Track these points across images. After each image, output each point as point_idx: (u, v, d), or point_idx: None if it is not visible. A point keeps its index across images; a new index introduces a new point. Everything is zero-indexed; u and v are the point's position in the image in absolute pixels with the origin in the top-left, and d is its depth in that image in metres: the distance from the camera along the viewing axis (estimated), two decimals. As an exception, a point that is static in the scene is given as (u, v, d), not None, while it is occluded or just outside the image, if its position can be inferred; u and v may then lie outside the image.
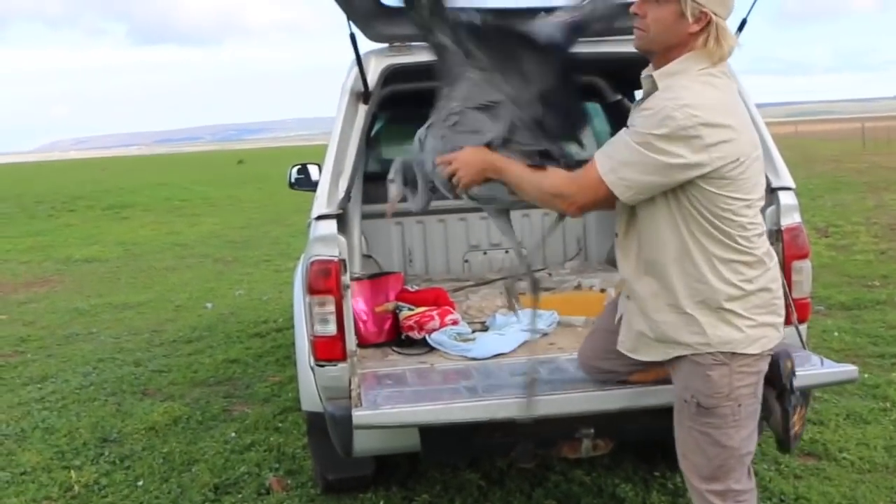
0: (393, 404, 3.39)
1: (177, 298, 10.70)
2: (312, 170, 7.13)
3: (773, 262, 2.87)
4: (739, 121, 2.72)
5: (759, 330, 2.79)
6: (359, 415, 3.30)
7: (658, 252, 2.81)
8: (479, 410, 3.36)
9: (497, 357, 4.01)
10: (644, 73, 2.85)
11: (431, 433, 3.52)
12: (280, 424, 5.78)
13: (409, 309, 4.31)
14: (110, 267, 14.04)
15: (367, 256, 5.60)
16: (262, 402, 6.29)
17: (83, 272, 13.66)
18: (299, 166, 7.25)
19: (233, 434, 5.64)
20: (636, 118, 2.74)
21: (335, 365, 3.70)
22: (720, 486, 2.80)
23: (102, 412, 6.26)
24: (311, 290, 3.71)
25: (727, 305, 2.74)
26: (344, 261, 3.76)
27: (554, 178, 2.90)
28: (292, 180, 7.23)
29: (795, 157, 26.90)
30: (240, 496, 4.73)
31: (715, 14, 2.67)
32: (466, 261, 5.96)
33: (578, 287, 5.15)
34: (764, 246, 2.83)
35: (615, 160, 2.73)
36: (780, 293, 2.89)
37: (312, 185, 6.98)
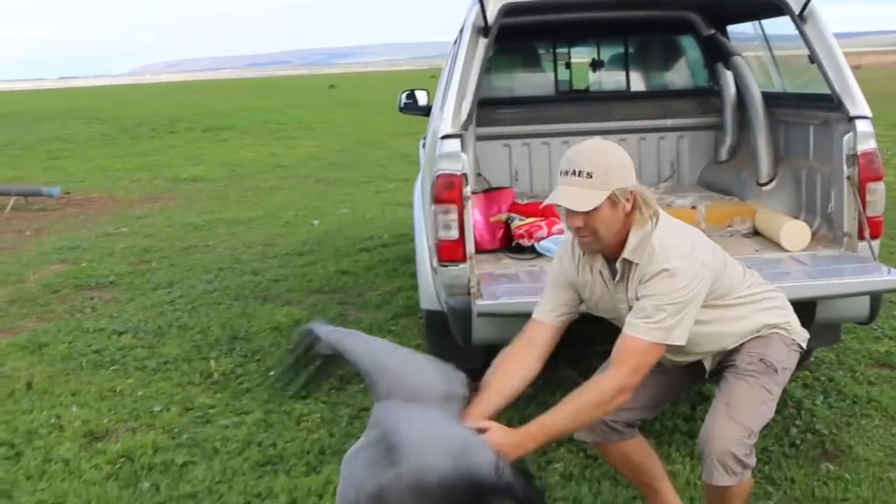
0: (510, 296, 3.95)
1: (284, 216, 11.41)
2: (420, 95, 7.70)
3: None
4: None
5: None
6: (481, 304, 3.88)
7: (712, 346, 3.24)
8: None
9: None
10: (616, 264, 3.06)
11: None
12: (393, 328, 6.39)
13: (520, 219, 4.85)
14: (217, 186, 14.83)
15: (477, 175, 6.13)
16: (374, 308, 6.91)
17: (192, 190, 14.49)
18: (408, 92, 7.81)
19: (351, 333, 6.26)
20: (653, 288, 2.91)
21: (457, 265, 4.26)
22: (750, 442, 3.08)
23: (229, 314, 6.97)
24: (437, 199, 4.25)
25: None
26: (465, 174, 4.30)
27: (600, 384, 2.94)
28: (402, 105, 7.80)
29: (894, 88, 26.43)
30: (362, 386, 5.35)
31: (635, 187, 2.93)
32: None
33: (670, 205, 5.60)
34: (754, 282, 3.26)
35: (665, 325, 2.88)
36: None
37: (420, 110, 7.55)
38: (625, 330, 2.93)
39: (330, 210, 11.67)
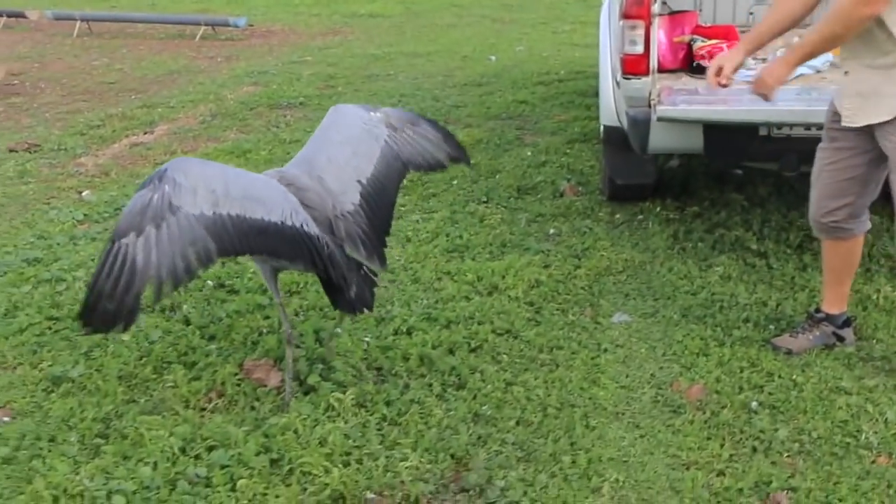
0: (688, 104, 4.42)
1: (462, 50, 11.92)
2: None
3: None
4: None
5: None
6: (661, 109, 4.36)
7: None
8: (760, 114, 4.33)
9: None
10: None
11: (714, 133, 4.53)
12: (568, 151, 6.91)
13: (702, 41, 5.23)
14: (394, 22, 15.40)
15: (663, 3, 6.47)
16: (550, 134, 7.43)
17: (369, 25, 15.11)
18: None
19: (528, 154, 6.83)
20: None
21: (639, 79, 4.71)
22: None
23: (414, 132, 7.61)
24: (626, 15, 4.68)
25: None
26: None
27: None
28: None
29: None
30: (539, 196, 5.94)
31: None
32: (751, 13, 6.71)
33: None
34: None
35: None
36: None
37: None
38: None
39: (506, 47, 12.10)
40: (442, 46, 12.35)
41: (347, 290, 3.50)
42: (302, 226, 3.29)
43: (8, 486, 3.16)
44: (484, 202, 5.83)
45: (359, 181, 3.67)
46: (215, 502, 3.05)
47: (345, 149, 3.72)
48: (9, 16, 16.88)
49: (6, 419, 3.60)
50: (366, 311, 3.67)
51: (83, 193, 6.44)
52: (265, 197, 3.28)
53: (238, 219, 3.10)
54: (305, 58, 11.93)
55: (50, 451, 3.35)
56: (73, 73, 11.80)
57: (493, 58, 11.28)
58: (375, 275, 3.72)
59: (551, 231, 5.35)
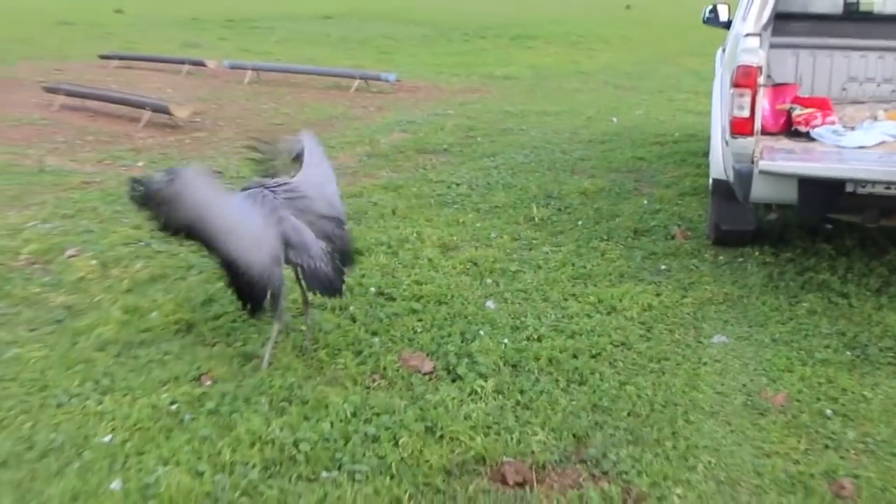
0: (786, 161, 4.82)
1: (586, 112, 12.37)
2: (721, 10, 8.33)
3: None
4: None
5: None
6: (763, 164, 4.77)
7: None
8: (847, 172, 4.71)
9: (861, 148, 5.27)
10: None
11: (807, 186, 4.91)
12: (680, 201, 7.29)
13: (801, 109, 5.61)
14: (525, 84, 15.95)
15: (767, 76, 6.85)
16: (664, 187, 7.82)
17: (504, 86, 15.69)
18: (711, 7, 8.45)
19: (644, 202, 7.24)
20: None
21: (745, 138, 5.11)
22: None
23: (544, 179, 8.11)
24: (736, 84, 5.10)
25: None
26: (760, 67, 5.12)
27: None
28: (705, 17, 8.47)
29: None
30: (652, 238, 6.35)
31: None
32: (844, 89, 7.03)
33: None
34: None
35: None
36: None
37: (720, 23, 8.22)
38: None
39: (627, 111, 12.50)
40: (569, 107, 12.82)
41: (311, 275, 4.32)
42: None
43: (214, 431, 3.72)
44: (605, 240, 6.26)
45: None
46: (381, 453, 3.55)
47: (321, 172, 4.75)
48: (191, 64, 18.13)
49: (208, 383, 4.19)
50: (336, 294, 4.48)
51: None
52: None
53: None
54: (448, 111, 12.55)
55: (245, 408, 3.92)
56: (246, 114, 12.69)
57: (615, 119, 11.70)
58: (344, 268, 4.48)
59: (662, 267, 5.75)
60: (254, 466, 3.47)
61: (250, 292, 4.21)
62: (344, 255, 4.50)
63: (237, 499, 3.28)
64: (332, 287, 4.36)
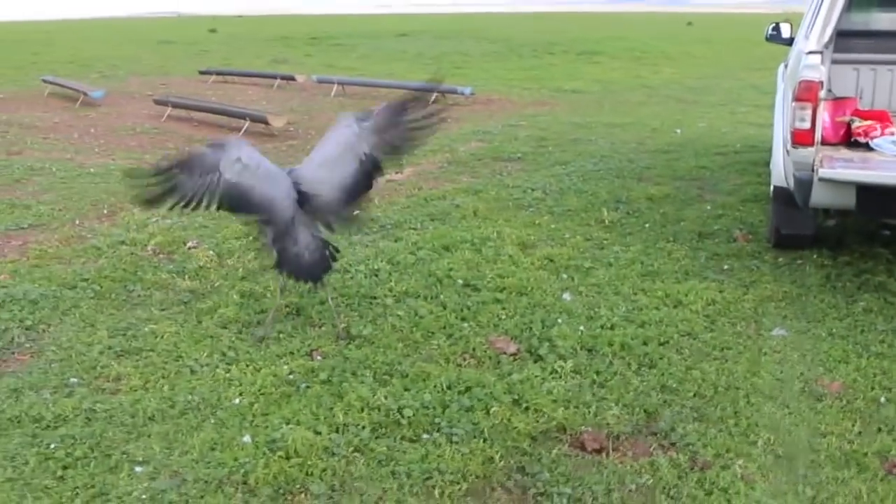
0: (845, 168, 5.01)
1: (651, 123, 12.54)
2: (784, 28, 8.45)
3: None
4: None
5: None
6: (823, 172, 4.96)
7: None
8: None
9: (918, 156, 5.44)
10: None
11: (864, 192, 5.08)
12: (741, 207, 7.45)
13: (860, 121, 5.78)
14: (593, 97, 16.16)
15: (828, 90, 7.00)
16: (726, 194, 7.98)
17: (573, 99, 15.92)
18: (774, 24, 8.58)
19: (708, 208, 7.43)
20: None
21: (806, 148, 5.30)
22: None
23: (612, 185, 8.33)
24: (798, 98, 5.30)
25: None
26: (821, 82, 5.31)
27: None
28: (768, 35, 8.59)
29: None
30: (716, 240, 6.54)
31: None
32: None
33: None
34: None
35: None
36: None
37: (783, 40, 8.34)
38: None
39: (690, 123, 12.64)
40: (634, 119, 13.00)
41: (287, 260, 4.72)
42: (272, 201, 4.59)
43: (327, 398, 4.05)
44: (671, 241, 6.48)
45: (333, 182, 4.68)
46: (475, 420, 3.84)
47: (332, 155, 4.74)
48: (282, 78, 18.71)
49: (319, 358, 4.52)
50: (310, 283, 4.95)
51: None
52: (265, 181, 4.58)
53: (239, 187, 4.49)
54: (520, 122, 12.82)
55: (353, 379, 4.25)
56: (334, 124, 13.07)
57: (679, 131, 11.86)
58: (335, 259, 4.91)
59: (725, 266, 5.95)
60: (364, 428, 3.78)
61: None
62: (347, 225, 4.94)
63: (351, 454, 3.60)
64: (310, 275, 4.82)
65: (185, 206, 4.46)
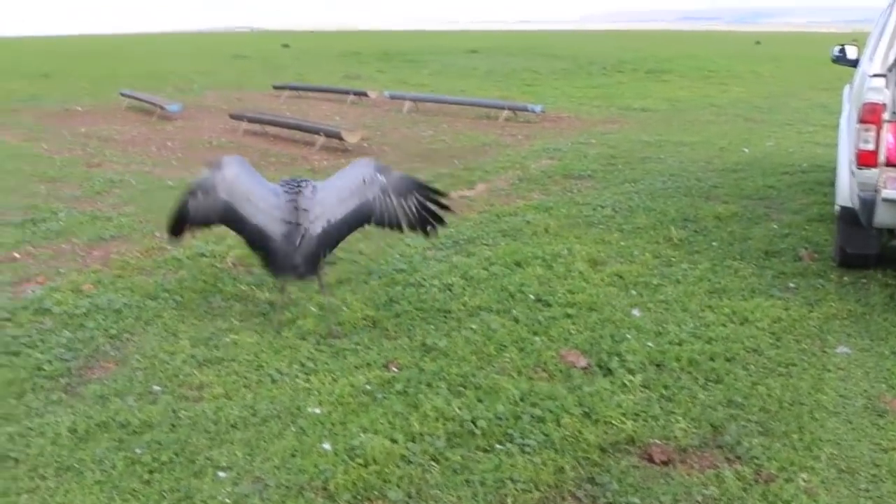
0: (909, 191, 5.02)
1: (719, 142, 12.50)
2: (850, 50, 8.41)
3: None
4: None
5: None
6: (886, 193, 4.97)
7: None
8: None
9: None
10: None
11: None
12: (807, 227, 7.43)
13: (926, 144, 5.75)
14: (661, 116, 16.13)
15: (893, 112, 6.96)
16: (793, 213, 7.96)
17: (641, 117, 15.92)
18: (840, 47, 8.53)
19: (774, 227, 7.43)
20: None
21: (870, 169, 5.31)
22: None
23: (680, 203, 8.36)
24: (862, 120, 5.31)
25: None
26: (885, 104, 5.31)
27: None
28: (834, 56, 8.55)
29: None
30: (781, 259, 6.54)
31: None
32: None
33: None
34: None
35: None
36: None
37: (848, 62, 8.30)
38: None
39: (757, 142, 12.56)
40: (703, 138, 12.97)
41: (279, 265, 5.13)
42: (262, 225, 5.03)
43: (403, 408, 4.19)
44: (738, 259, 6.50)
45: (328, 218, 5.04)
46: (546, 431, 3.95)
47: (337, 193, 5.09)
48: (355, 94, 19.04)
49: (395, 369, 4.67)
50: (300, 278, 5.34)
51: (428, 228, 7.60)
52: (256, 201, 5.04)
53: (231, 207, 5.01)
54: (590, 140, 12.90)
55: (428, 391, 4.38)
56: (407, 140, 13.33)
57: (747, 150, 11.80)
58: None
59: (791, 284, 5.96)
60: (439, 437, 3.92)
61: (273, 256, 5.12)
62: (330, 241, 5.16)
63: (427, 462, 3.73)
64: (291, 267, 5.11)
65: (197, 226, 5.20)
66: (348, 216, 5.07)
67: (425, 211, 5.12)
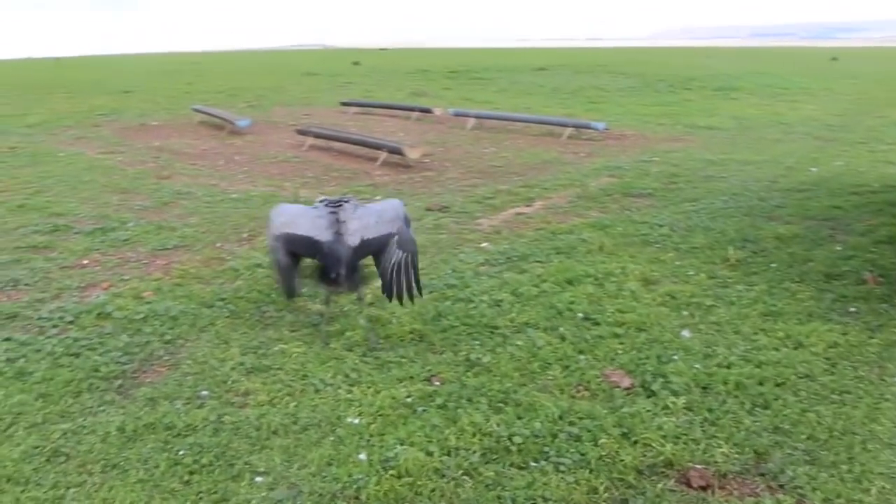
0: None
1: (786, 161, 12.19)
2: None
3: None
4: None
5: None
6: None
7: None
8: None
9: None
10: None
11: None
12: (874, 249, 7.16)
13: None
14: (728, 134, 15.82)
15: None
16: (859, 235, 7.69)
17: (706, 136, 15.63)
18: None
19: (838, 248, 7.18)
20: None
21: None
22: None
23: (741, 224, 8.15)
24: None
25: None
26: None
27: None
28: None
29: None
30: (843, 282, 6.31)
31: None
32: None
33: None
34: None
35: None
36: None
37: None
38: None
39: (826, 161, 12.22)
40: (769, 157, 12.67)
41: (335, 279, 5.07)
42: (314, 236, 5.09)
43: (442, 422, 4.14)
44: (796, 282, 6.30)
45: (363, 235, 5.09)
46: (583, 450, 3.86)
47: (376, 216, 5.19)
48: (420, 111, 19.13)
49: (437, 383, 4.62)
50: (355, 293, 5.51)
51: (483, 244, 7.56)
52: (300, 223, 5.18)
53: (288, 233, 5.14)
54: (653, 158, 12.69)
55: (468, 405, 4.32)
56: (469, 157, 13.30)
57: (814, 169, 11.48)
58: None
59: (852, 309, 5.74)
60: (474, 452, 3.86)
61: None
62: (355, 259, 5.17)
63: (460, 476, 3.67)
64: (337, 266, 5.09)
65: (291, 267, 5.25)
66: (379, 239, 5.12)
67: (404, 273, 5.13)
